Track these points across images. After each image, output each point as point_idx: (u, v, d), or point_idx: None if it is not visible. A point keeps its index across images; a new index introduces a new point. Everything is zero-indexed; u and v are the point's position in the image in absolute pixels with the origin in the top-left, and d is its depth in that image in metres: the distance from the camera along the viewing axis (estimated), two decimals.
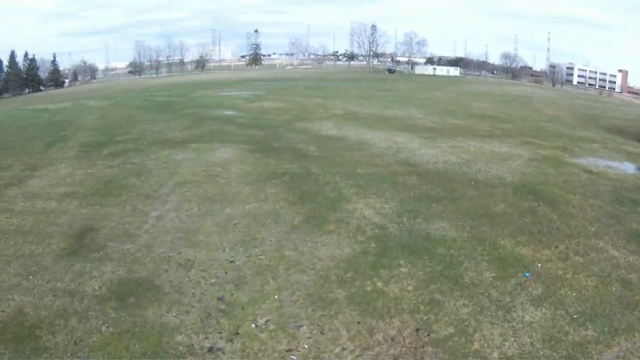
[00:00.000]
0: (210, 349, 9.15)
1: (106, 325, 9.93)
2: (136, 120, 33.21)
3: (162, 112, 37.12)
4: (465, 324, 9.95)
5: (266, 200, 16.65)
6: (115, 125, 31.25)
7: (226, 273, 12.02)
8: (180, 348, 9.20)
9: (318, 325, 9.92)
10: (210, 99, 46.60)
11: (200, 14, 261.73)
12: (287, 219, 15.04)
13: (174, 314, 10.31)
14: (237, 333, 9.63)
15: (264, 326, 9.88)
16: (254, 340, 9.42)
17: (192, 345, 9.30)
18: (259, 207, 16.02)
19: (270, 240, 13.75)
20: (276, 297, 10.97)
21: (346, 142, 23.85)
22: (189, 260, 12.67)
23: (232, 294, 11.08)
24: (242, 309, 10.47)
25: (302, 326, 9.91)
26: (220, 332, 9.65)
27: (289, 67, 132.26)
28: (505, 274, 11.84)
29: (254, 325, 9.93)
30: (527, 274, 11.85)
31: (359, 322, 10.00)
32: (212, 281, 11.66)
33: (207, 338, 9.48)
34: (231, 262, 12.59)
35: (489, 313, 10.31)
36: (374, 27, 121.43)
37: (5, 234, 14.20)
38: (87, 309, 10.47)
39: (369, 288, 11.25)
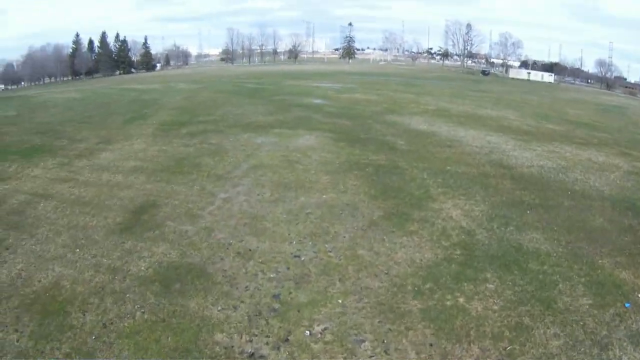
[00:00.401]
0: (252, 355, 8.12)
1: (142, 310, 9.46)
2: (221, 103, 34.55)
3: (250, 97, 38.46)
4: None
5: (345, 191, 15.78)
6: (200, 107, 32.79)
7: (288, 268, 11.02)
8: (217, 349, 8.31)
9: (383, 342, 8.52)
10: (301, 88, 47.65)
11: (295, 5, 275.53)
12: (366, 213, 14.13)
13: (219, 308, 9.51)
14: (287, 340, 8.49)
15: (320, 335, 8.62)
16: (304, 352, 8.20)
17: (232, 347, 8.35)
18: (337, 198, 15.15)
19: (344, 236, 12.64)
20: (340, 301, 9.69)
21: (437, 137, 23.84)
22: (250, 249, 11.93)
23: (290, 293, 10.01)
24: (298, 311, 9.33)
25: (364, 341, 8.49)
26: (267, 336, 8.59)
27: (382, 63, 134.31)
28: (603, 302, 10.27)
29: (307, 332, 8.72)
30: (627, 304, 10.41)
31: (431, 345, 8.50)
32: (271, 276, 10.72)
33: (250, 341, 8.48)
34: (296, 256, 11.58)
35: (582, 349, 8.77)
36: (469, 25, 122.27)
37: (63, 203, 14.88)
38: (126, 290, 10.15)
39: (448, 303, 9.81)
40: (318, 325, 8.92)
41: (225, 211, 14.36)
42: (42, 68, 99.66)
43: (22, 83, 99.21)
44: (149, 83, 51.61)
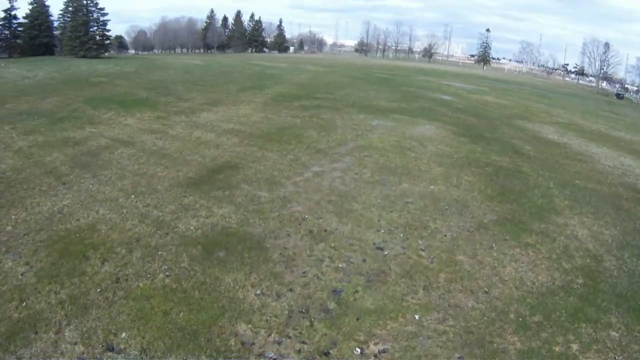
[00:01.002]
0: None
1: (167, 273, 7.68)
2: (345, 85, 33.10)
3: (377, 84, 36.64)
4: None
5: (457, 186, 13.16)
6: (321, 86, 31.66)
7: (364, 261, 8.49)
8: (232, 342, 6.11)
9: None
10: (432, 84, 45.08)
11: (434, 7, 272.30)
12: (476, 213, 11.49)
13: (258, 292, 7.34)
14: (326, 354, 6.00)
15: (373, 358, 6.04)
16: None
17: (252, 344, 6.09)
18: (446, 191, 12.53)
19: (444, 235, 9.84)
20: (417, 317, 6.90)
21: (567, 149, 21.39)
22: (325, 230, 9.65)
23: (356, 292, 7.46)
24: (358, 319, 6.76)
25: None
26: (303, 342, 6.16)
27: (516, 73, 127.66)
28: None
29: (358, 350, 6.09)
30: None
31: None
32: (339, 265, 8.29)
33: (278, 344, 6.13)
34: (379, 248, 9.00)
35: None
36: (606, 45, 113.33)
37: (141, 152, 14.17)
38: (161, 248, 8.51)
39: (557, 349, 6.84)
40: (376, 344, 6.25)
41: (313, 184, 12.30)
42: (174, 38, 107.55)
43: (154, 50, 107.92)
44: (277, 62, 52.17)
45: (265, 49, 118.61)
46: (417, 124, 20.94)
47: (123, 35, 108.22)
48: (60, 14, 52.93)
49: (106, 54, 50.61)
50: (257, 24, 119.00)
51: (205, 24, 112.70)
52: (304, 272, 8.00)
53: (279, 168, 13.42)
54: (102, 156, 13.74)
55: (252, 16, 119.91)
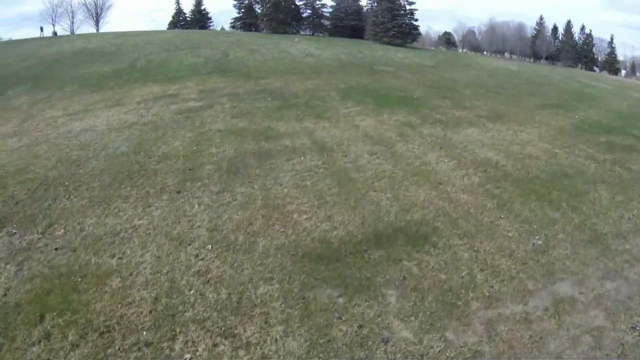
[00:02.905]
0: None
1: None
2: None
3: None
4: None
5: None
6: None
7: None
8: None
9: None
10: None
11: None
12: None
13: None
14: None
15: None
16: None
17: None
18: None
19: None
20: None
21: None
22: None
23: None
24: None
25: None
26: None
27: None
28: None
29: None
30: None
31: None
32: None
33: None
34: None
35: None
36: None
37: (317, 171, 10.23)
38: None
39: None
40: None
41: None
42: (502, 41, 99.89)
43: (484, 52, 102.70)
44: (602, 82, 40.41)
45: (595, 68, 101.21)
46: None
47: (451, 32, 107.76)
48: (368, 0, 53.81)
49: (413, 44, 48.89)
50: (588, 38, 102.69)
51: (534, 32, 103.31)
52: None
53: (502, 261, 7.32)
54: (266, 164, 10.64)
55: (582, 28, 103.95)
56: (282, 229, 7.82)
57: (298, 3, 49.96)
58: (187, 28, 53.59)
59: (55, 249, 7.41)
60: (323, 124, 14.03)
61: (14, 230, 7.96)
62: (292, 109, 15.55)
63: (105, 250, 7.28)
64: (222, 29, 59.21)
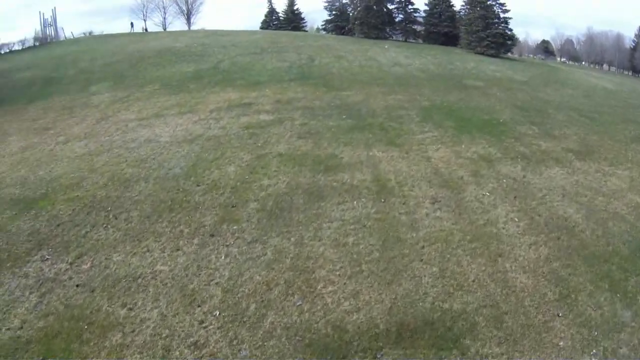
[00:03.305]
0: None
1: None
2: None
3: None
4: None
5: None
6: None
7: None
8: None
9: None
10: None
11: None
12: None
13: None
14: None
15: None
16: None
17: None
18: None
19: None
20: None
21: None
22: None
23: None
24: None
25: None
26: None
27: None
28: None
29: None
30: None
31: None
32: None
33: None
34: None
35: None
36: None
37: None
38: None
39: None
40: None
41: None
42: (601, 52, 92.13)
43: (582, 62, 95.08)
44: None
45: None
46: None
47: (549, 40, 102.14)
48: (462, 6, 50.34)
49: (507, 54, 45.40)
50: None
51: (632, 44, 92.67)
52: None
53: None
54: (314, 207, 10.09)
55: None
56: (300, 302, 7.30)
57: (390, 7, 48.16)
58: (279, 28, 53.37)
59: (77, 286, 7.56)
60: (392, 153, 13.15)
61: (47, 256, 8.27)
62: (365, 131, 14.81)
63: (119, 297, 7.28)
64: (318, 30, 58.50)
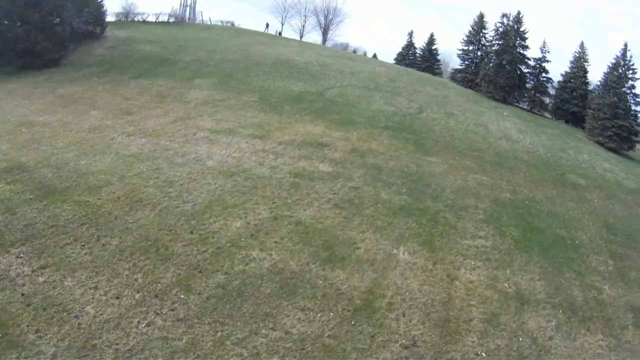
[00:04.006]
0: None
1: None
2: None
3: None
4: None
5: None
6: None
7: None
8: None
9: None
10: None
11: None
12: None
13: None
14: None
15: None
16: None
17: None
18: None
19: None
20: None
21: None
22: None
23: None
24: None
25: None
26: None
27: None
28: None
29: None
30: None
31: None
32: None
33: None
34: None
35: None
36: None
37: None
38: None
39: None
40: None
41: None
42: None
43: None
44: None
45: None
46: None
47: None
48: (596, 86, 43.68)
49: (629, 152, 39.07)
50: None
51: None
52: None
53: None
54: (240, 303, 9.88)
55: None
56: None
57: (524, 70, 44.01)
58: (413, 64, 51.21)
59: (22, 295, 8.61)
60: (418, 259, 12.09)
61: (22, 255, 9.51)
62: (411, 217, 13.90)
63: (40, 322, 8.25)
64: (453, 73, 54.61)
